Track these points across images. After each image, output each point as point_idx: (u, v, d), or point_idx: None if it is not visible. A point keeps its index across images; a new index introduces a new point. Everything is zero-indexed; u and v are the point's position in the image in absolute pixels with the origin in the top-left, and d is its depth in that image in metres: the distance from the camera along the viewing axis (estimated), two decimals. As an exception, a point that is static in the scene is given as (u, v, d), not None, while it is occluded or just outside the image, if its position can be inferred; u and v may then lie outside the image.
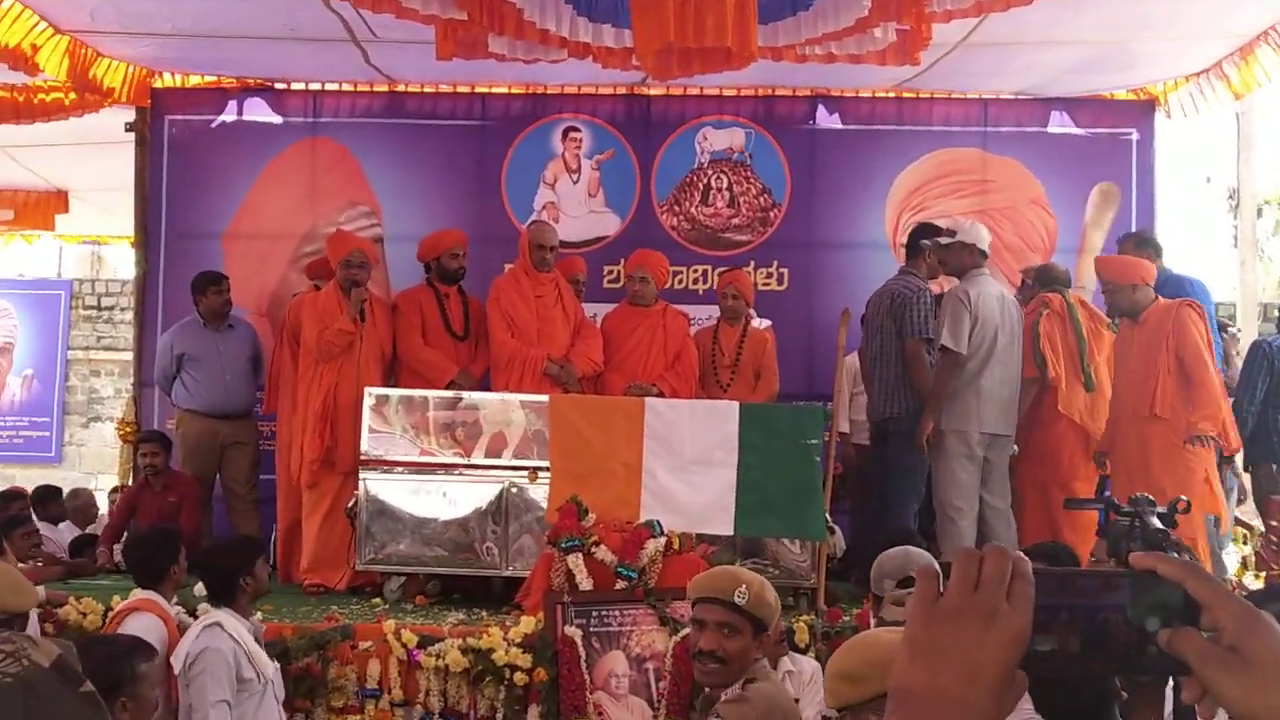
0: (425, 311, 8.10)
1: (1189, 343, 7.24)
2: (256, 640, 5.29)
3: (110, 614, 5.85)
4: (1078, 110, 9.74)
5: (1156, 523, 5.30)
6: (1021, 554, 1.11)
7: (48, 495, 10.33)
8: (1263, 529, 8.25)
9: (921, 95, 9.73)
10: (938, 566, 1.16)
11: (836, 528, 7.13)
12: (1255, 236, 12.95)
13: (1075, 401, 7.92)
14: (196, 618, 5.50)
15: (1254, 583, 7.51)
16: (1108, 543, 5.53)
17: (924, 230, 8.20)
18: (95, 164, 11.19)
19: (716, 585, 3.74)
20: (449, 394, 7.37)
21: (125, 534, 8.09)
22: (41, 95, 9.43)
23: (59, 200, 12.60)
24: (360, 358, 7.70)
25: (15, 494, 9.98)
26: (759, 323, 8.71)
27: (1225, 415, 7.33)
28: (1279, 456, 8.08)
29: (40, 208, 12.59)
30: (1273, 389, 8.02)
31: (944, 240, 7.76)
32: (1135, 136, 9.70)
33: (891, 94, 9.77)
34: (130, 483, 9.01)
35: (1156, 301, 7.48)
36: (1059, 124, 9.75)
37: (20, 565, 6.91)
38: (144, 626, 5.21)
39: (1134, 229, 9.12)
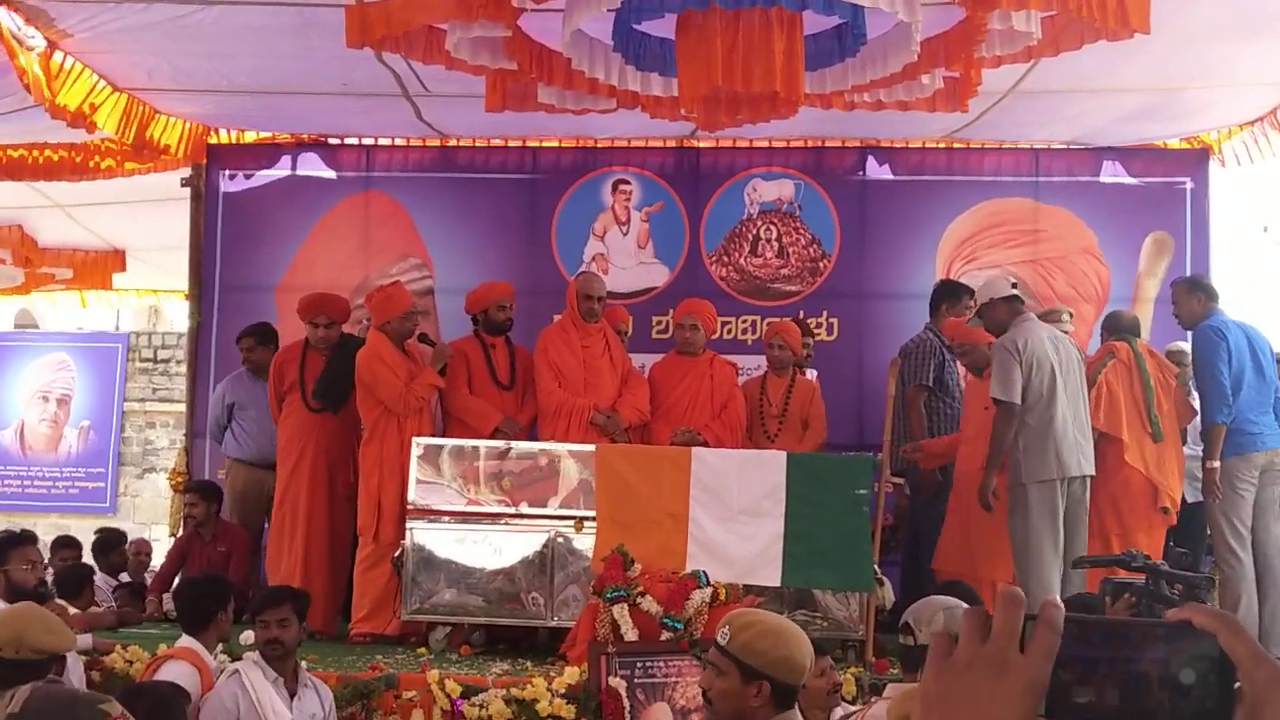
0: (471, 362, 8.11)
1: None
2: (290, 692, 5.30)
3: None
4: (1130, 159, 9.67)
5: (1165, 587, 5.16)
6: (1054, 601, 1.09)
7: (110, 544, 10.34)
8: None
9: (971, 145, 9.71)
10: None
11: (885, 579, 7.03)
12: (1313, 286, 12.85)
13: (1142, 453, 7.82)
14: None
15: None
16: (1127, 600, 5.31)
17: (944, 288, 8.20)
18: (152, 222, 11.34)
19: (718, 624, 3.71)
20: (498, 444, 7.34)
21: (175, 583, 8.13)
22: (98, 156, 9.58)
23: (116, 259, 12.75)
24: (433, 410, 7.85)
25: (66, 541, 10.08)
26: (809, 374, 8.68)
27: None
28: None
29: (98, 267, 12.74)
30: None
31: (973, 317, 7.68)
32: (1189, 185, 9.61)
33: (941, 144, 9.74)
34: (180, 533, 9.05)
35: None
36: (1111, 173, 9.68)
37: (73, 611, 6.99)
38: (177, 674, 5.23)
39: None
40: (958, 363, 8.10)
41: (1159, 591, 5.13)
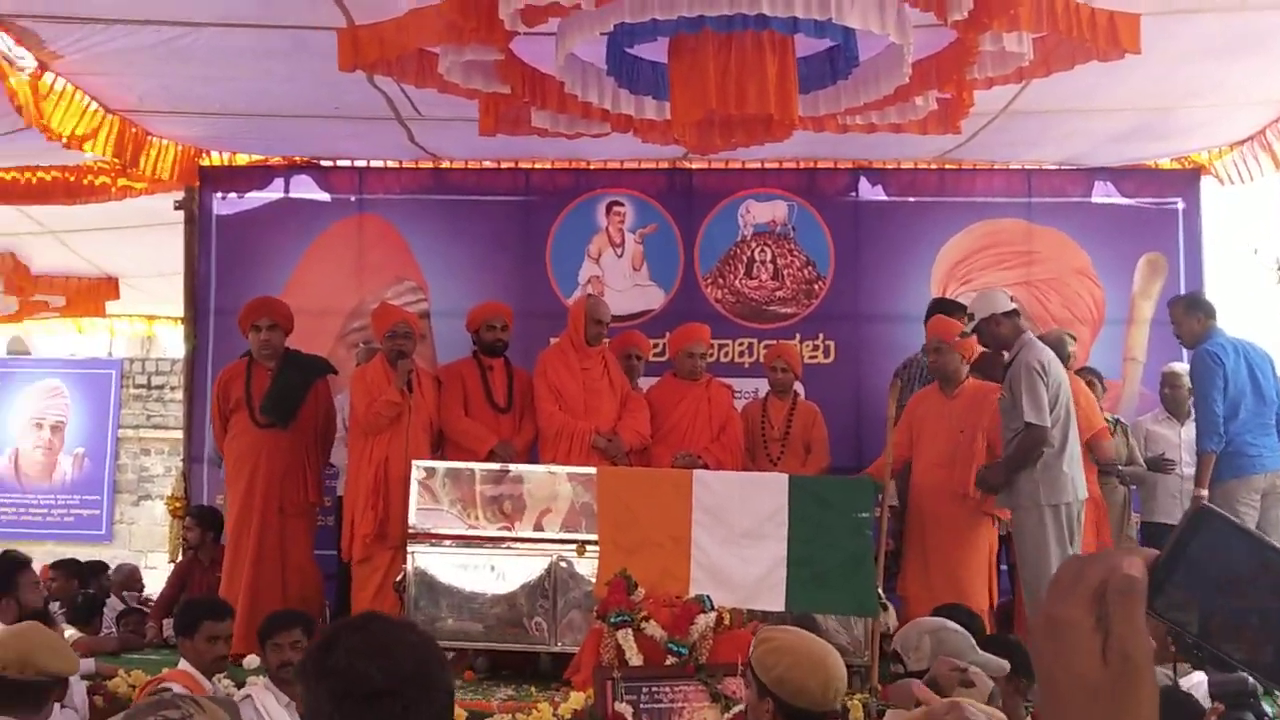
0: (467, 383, 8.09)
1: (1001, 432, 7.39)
2: (301, 716, 5.27)
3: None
4: (1122, 180, 9.72)
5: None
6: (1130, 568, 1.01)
7: (96, 570, 10.37)
8: None
9: (964, 166, 9.75)
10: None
11: (889, 604, 7.00)
12: (1303, 307, 12.87)
13: None
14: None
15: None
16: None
17: (938, 305, 8.27)
18: (145, 248, 11.32)
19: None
20: (496, 467, 7.32)
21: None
22: (90, 176, 9.56)
23: (109, 286, 12.73)
24: (409, 430, 7.62)
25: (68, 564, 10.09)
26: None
27: None
28: None
29: (91, 294, 12.73)
30: None
31: (968, 329, 7.64)
32: (1181, 206, 9.66)
33: (933, 165, 9.78)
34: (179, 558, 9.03)
35: (970, 380, 7.66)
36: (1103, 194, 9.73)
37: (76, 635, 7.00)
38: None
39: (1183, 296, 9.06)
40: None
41: None
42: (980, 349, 7.73)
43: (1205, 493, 7.58)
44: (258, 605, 7.51)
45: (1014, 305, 7.40)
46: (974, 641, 4.67)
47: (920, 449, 7.68)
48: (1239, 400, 7.59)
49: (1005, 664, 4.52)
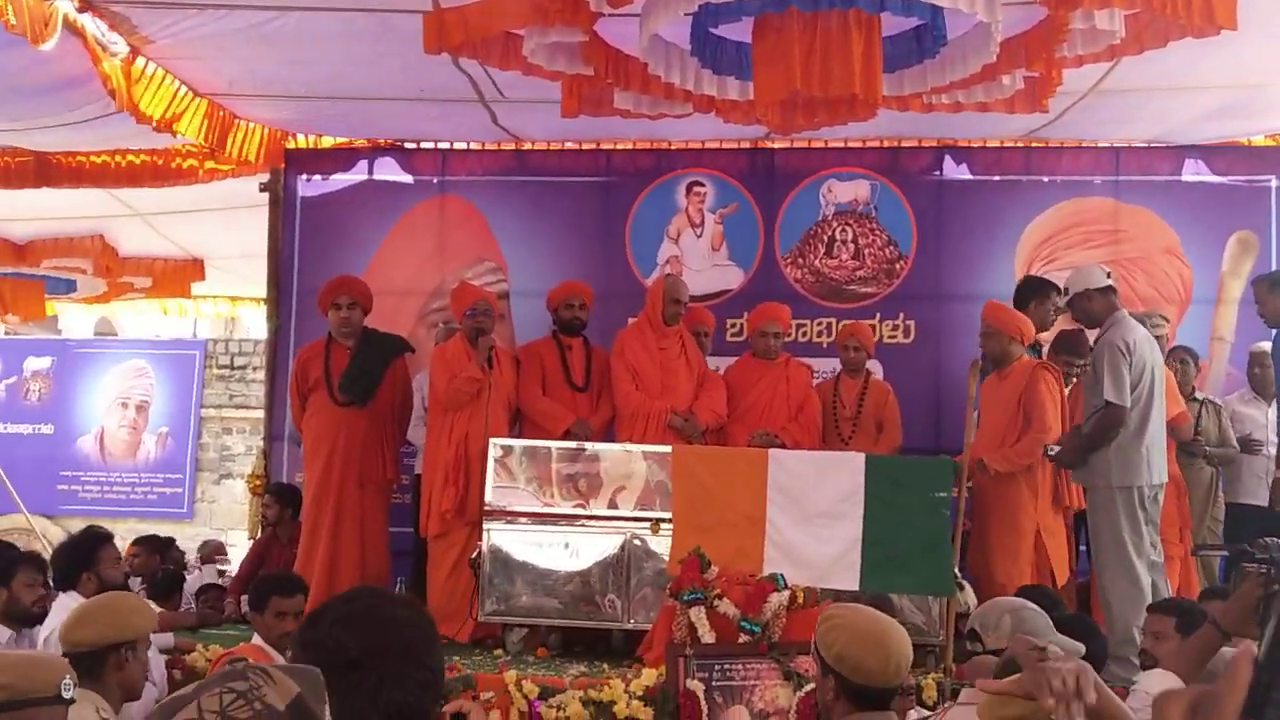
0: (546, 362, 8.12)
1: (1036, 401, 7.35)
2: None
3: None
4: (1213, 157, 9.49)
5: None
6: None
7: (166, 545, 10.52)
8: None
9: (1050, 144, 9.57)
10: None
11: (966, 584, 6.93)
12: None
13: None
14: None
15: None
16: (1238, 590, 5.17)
17: (1032, 284, 8.13)
18: (230, 230, 11.45)
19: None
20: (572, 445, 7.34)
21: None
22: (178, 160, 9.70)
23: (195, 268, 12.90)
24: (489, 407, 7.66)
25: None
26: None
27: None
28: None
29: (177, 275, 12.90)
30: None
31: (1060, 302, 7.51)
32: (1274, 183, 9.42)
33: (1019, 144, 9.62)
34: (259, 536, 9.14)
35: (1021, 359, 7.57)
36: (1193, 172, 9.50)
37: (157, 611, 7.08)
38: None
39: (1273, 273, 8.85)
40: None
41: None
42: (1061, 328, 7.61)
43: None
44: (335, 580, 7.62)
45: (1109, 282, 7.16)
46: (1051, 622, 4.62)
47: (980, 430, 7.59)
48: None
49: (1081, 646, 4.47)
